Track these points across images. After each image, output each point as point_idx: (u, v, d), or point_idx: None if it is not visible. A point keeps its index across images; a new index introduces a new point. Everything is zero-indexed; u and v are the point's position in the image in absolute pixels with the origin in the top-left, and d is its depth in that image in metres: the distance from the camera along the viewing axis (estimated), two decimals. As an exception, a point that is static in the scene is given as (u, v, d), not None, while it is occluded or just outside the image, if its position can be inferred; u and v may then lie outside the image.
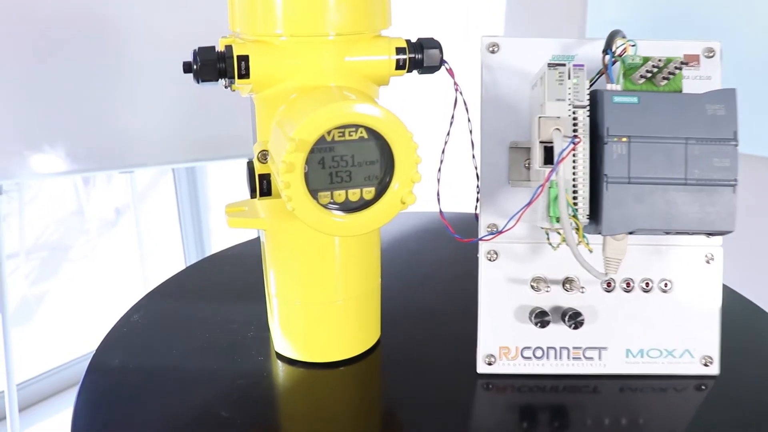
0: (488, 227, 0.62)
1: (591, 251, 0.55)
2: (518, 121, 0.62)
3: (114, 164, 1.39)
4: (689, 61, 0.62)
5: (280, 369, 0.64)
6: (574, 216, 0.53)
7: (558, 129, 0.52)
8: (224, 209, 0.64)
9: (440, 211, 0.59)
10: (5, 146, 1.29)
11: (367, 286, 0.64)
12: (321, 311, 0.63)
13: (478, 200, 0.62)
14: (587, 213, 0.55)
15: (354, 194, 0.52)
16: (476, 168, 0.62)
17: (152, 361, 0.66)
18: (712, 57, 0.62)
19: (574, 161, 0.54)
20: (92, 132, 1.36)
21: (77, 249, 1.96)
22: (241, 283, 0.80)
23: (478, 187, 0.62)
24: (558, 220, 0.53)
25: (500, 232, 0.57)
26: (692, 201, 0.54)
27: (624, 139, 0.54)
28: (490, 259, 0.62)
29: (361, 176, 0.52)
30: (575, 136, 0.54)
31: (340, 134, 0.51)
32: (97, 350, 0.67)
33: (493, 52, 0.62)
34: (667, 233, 0.55)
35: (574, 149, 0.53)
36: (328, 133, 0.50)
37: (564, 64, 0.55)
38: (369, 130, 0.51)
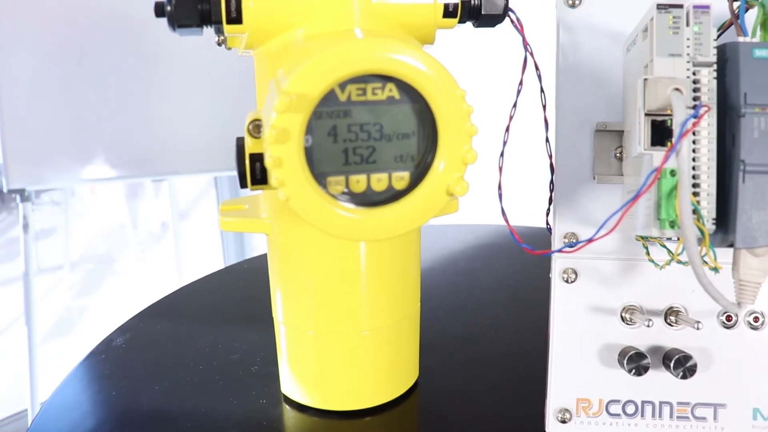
0: (565, 237, 0.42)
1: (719, 270, 0.35)
2: (607, 97, 0.43)
3: (152, 171, 1.23)
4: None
5: (287, 417, 0.46)
6: (698, 220, 0.34)
7: (678, 89, 0.33)
8: (219, 207, 0.45)
9: (502, 211, 0.40)
10: (36, 153, 1.14)
11: (401, 313, 0.45)
12: (341, 344, 0.44)
13: (551, 201, 0.43)
14: (713, 216, 0.35)
15: (380, 181, 0.34)
16: (550, 157, 0.43)
17: (125, 401, 0.47)
18: None
19: (694, 141, 0.35)
20: (131, 139, 1.21)
21: (123, 261, 1.81)
22: (254, 303, 0.62)
23: (551, 183, 0.43)
24: (673, 225, 0.34)
25: (587, 242, 0.37)
26: None
27: (770, 110, 0.34)
28: (567, 281, 0.42)
29: (390, 155, 0.34)
30: (702, 104, 0.34)
31: (360, 92, 0.32)
32: (62, 383, 0.49)
33: (573, 5, 0.43)
34: (831, 248, 0.36)
35: (698, 123, 0.34)
36: (342, 88, 0.32)
37: (680, 5, 0.36)
38: (402, 86, 0.33)
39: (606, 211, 0.41)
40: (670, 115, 0.35)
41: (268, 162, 0.31)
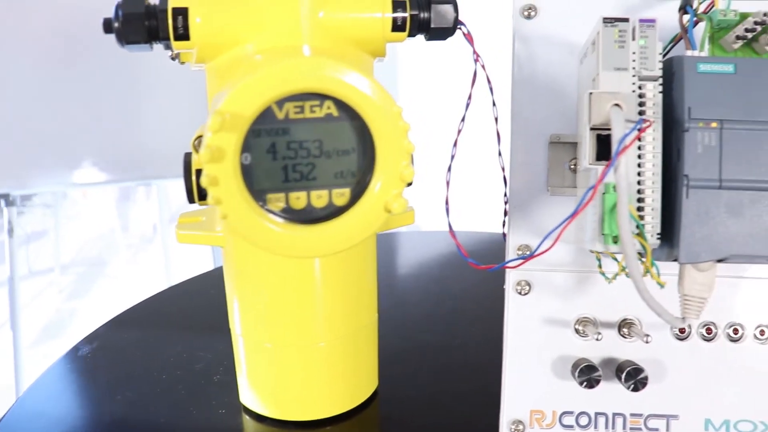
0: (519, 249, 0.42)
1: (663, 285, 0.35)
2: (562, 109, 0.42)
3: (141, 176, 1.23)
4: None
5: (246, 427, 0.46)
6: (640, 235, 0.34)
7: (618, 105, 0.33)
8: (177, 219, 0.45)
9: (449, 227, 0.39)
10: (21, 158, 1.13)
11: (358, 324, 0.45)
12: (298, 356, 0.44)
13: (506, 213, 0.42)
14: (658, 231, 0.35)
15: (320, 197, 0.33)
16: (503, 170, 0.42)
17: (86, 412, 0.47)
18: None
19: (639, 156, 0.35)
20: (119, 143, 1.21)
21: (113, 265, 1.81)
22: (222, 310, 0.61)
23: (506, 195, 0.42)
24: (616, 240, 0.33)
25: (531, 257, 0.37)
26: (815, 216, 0.34)
27: (714, 125, 0.34)
28: (520, 293, 0.42)
29: (330, 172, 0.33)
30: (643, 119, 0.34)
31: (298, 110, 0.32)
32: (23, 395, 0.49)
33: (528, 17, 0.43)
34: (777, 261, 0.35)
35: (640, 136, 0.34)
36: (279, 106, 0.32)
37: (626, 19, 0.36)
38: (340, 103, 0.32)
39: (559, 223, 0.41)
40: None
41: (203, 181, 0.31)
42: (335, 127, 0.32)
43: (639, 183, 0.35)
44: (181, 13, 0.36)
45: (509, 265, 0.36)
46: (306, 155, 0.33)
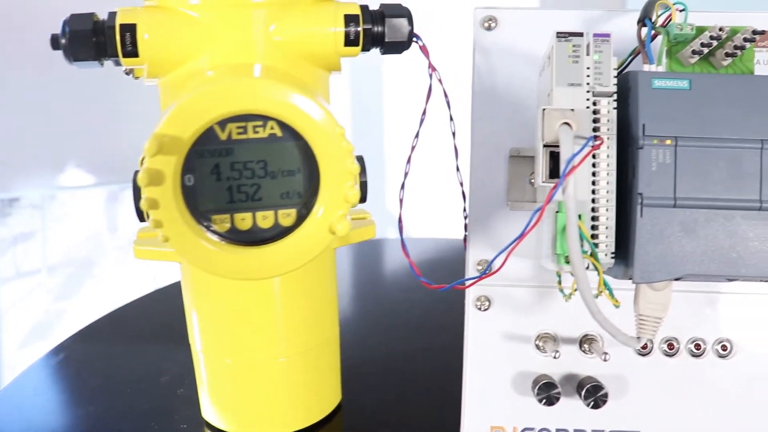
0: (479, 265, 0.41)
1: (618, 305, 0.34)
2: (522, 122, 0.42)
3: (127, 179, 1.22)
4: (761, 40, 0.41)
5: (207, 443, 0.45)
6: (592, 255, 0.33)
7: (567, 123, 0.32)
8: (136, 234, 0.44)
9: (402, 244, 0.38)
10: (4, 159, 1.12)
11: (318, 338, 0.44)
12: (258, 372, 0.43)
13: (466, 228, 0.42)
14: (612, 250, 0.34)
15: (265, 218, 0.33)
16: (461, 184, 0.41)
17: (48, 427, 0.46)
18: (792, 34, 0.41)
19: (594, 173, 0.34)
20: (104, 146, 1.20)
21: (101, 266, 1.80)
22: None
23: (465, 210, 0.42)
24: (568, 260, 0.32)
25: (480, 278, 0.36)
26: (771, 234, 0.33)
27: (668, 142, 0.33)
28: (480, 308, 0.41)
29: (276, 192, 0.33)
30: (595, 136, 0.33)
31: (241, 130, 0.31)
32: (-16, 409, 0.48)
33: (489, 28, 0.42)
34: (731, 280, 0.35)
35: (591, 153, 0.33)
36: (222, 127, 0.31)
37: (580, 34, 0.35)
38: (283, 125, 0.31)
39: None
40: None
41: (143, 204, 0.30)
42: (279, 148, 0.32)
43: (593, 201, 0.34)
44: (130, 29, 0.35)
45: (458, 286, 0.36)
46: (251, 176, 0.32)
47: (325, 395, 0.46)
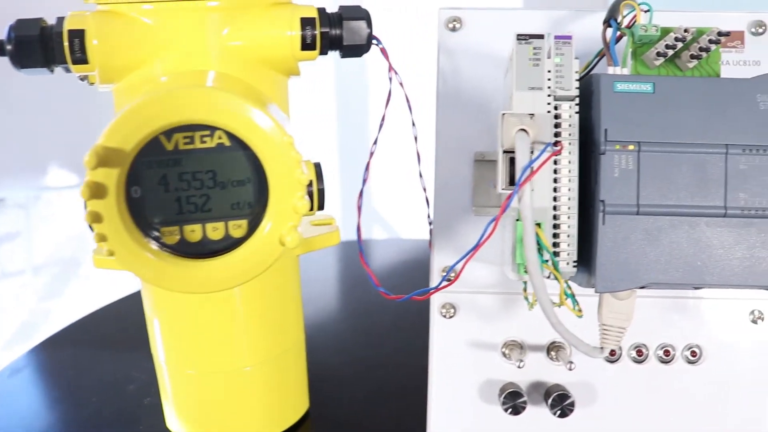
0: (443, 271, 0.40)
1: (580, 316, 0.33)
2: (487, 125, 0.41)
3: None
4: (729, 40, 0.40)
5: (171, 454, 0.44)
6: (552, 264, 0.32)
7: (523, 130, 0.31)
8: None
9: (360, 252, 0.37)
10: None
11: (283, 346, 0.43)
12: (223, 382, 0.42)
13: (431, 234, 0.41)
14: (574, 259, 0.33)
15: (216, 230, 0.32)
16: (425, 190, 0.40)
17: (9, 439, 0.45)
18: (762, 34, 0.40)
19: (556, 179, 0.33)
20: (86, 146, 1.18)
21: (88, 265, 1.79)
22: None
23: (429, 216, 0.41)
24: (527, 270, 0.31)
25: (434, 291, 0.35)
26: (736, 241, 0.32)
27: (631, 147, 0.32)
28: (445, 316, 0.40)
29: (226, 203, 0.31)
30: (556, 142, 0.32)
31: (188, 140, 0.30)
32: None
33: (454, 29, 0.41)
34: (698, 288, 0.34)
35: (551, 159, 0.32)
36: (168, 137, 0.30)
37: (541, 36, 0.34)
38: (231, 134, 0.30)
39: (485, 244, 0.38)
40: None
41: (86, 218, 0.29)
42: (228, 158, 0.31)
43: (555, 208, 0.33)
44: (78, 35, 0.34)
45: (416, 296, 0.35)
46: (200, 186, 0.31)
47: (292, 403, 0.45)
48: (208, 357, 0.41)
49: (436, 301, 0.40)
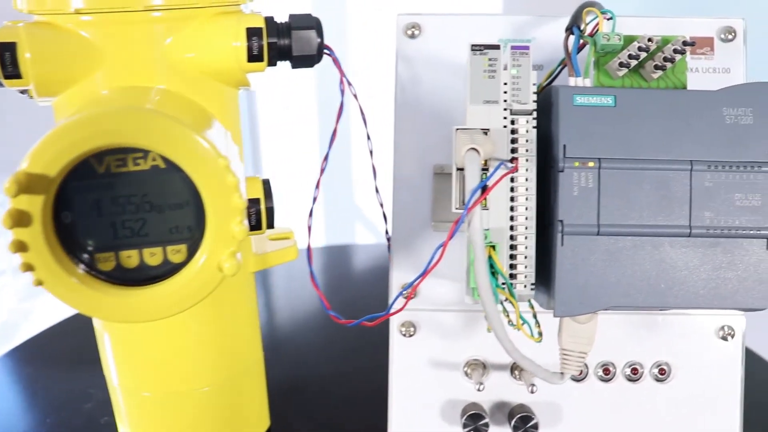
0: (402, 287, 0.38)
1: (539, 341, 0.32)
2: (447, 136, 0.38)
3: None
4: (698, 47, 0.38)
5: (127, 477, 0.42)
6: (508, 289, 0.30)
7: (474, 149, 0.29)
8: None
9: (311, 276, 0.35)
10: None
11: (241, 365, 0.41)
12: (180, 403, 0.40)
13: (389, 249, 0.39)
14: (532, 281, 0.31)
15: (153, 255, 0.30)
16: (381, 205, 0.39)
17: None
18: (732, 40, 0.38)
19: (512, 198, 0.31)
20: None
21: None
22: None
23: (387, 232, 0.39)
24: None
25: (384, 316, 0.33)
26: (701, 262, 0.31)
27: (591, 164, 0.31)
28: (405, 335, 0.39)
29: (164, 227, 0.30)
30: (511, 159, 0.30)
31: (120, 162, 0.28)
32: None
33: (412, 36, 0.39)
34: (662, 309, 0.32)
35: (507, 177, 0.30)
36: (99, 160, 0.28)
37: (497, 47, 0.32)
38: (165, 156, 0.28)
39: (446, 259, 0.36)
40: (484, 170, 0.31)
41: (9, 247, 0.27)
42: (163, 180, 0.29)
43: (511, 228, 0.31)
44: (9, 48, 0.32)
45: (366, 322, 0.33)
46: (135, 210, 0.29)
47: (252, 422, 0.43)
48: (163, 378, 0.39)
49: (395, 319, 0.38)
